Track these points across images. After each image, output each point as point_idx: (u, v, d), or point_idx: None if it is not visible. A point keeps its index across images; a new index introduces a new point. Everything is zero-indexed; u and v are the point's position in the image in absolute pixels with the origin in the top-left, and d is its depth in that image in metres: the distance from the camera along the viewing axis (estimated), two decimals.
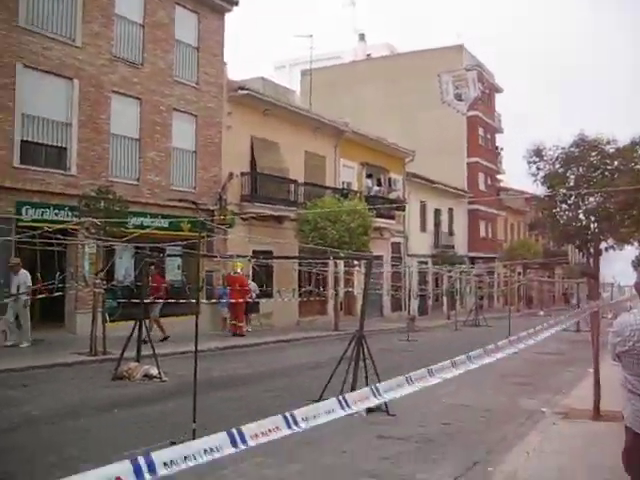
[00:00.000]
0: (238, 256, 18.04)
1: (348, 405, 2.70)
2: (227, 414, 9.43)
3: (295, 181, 26.88)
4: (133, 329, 12.33)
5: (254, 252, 22.45)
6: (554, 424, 9.01)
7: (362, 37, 56.44)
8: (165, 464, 2.26)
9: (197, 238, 18.70)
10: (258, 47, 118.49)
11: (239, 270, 21.40)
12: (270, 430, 2.38)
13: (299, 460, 6.97)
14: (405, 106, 45.10)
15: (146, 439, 7.16)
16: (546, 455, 7.29)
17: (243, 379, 13.03)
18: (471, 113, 42.50)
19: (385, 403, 9.42)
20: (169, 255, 20.14)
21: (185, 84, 22.80)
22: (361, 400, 2.77)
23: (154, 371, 12.28)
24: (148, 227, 19.04)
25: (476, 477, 6.60)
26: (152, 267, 16.29)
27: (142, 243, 14.98)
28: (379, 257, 30.99)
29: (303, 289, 25.32)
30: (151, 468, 2.19)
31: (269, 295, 23.79)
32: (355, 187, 32.23)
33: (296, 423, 2.46)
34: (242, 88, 24.57)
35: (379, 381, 9.66)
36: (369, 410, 9.47)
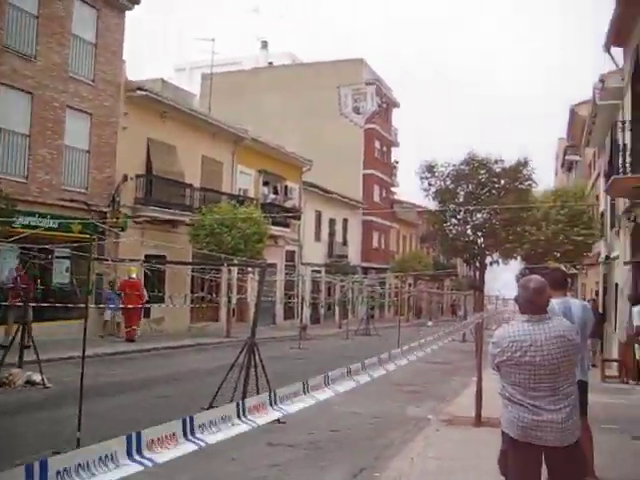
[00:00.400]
0: (131, 260, 17.63)
1: (244, 414, 2.74)
2: (115, 421, 9.22)
3: (191, 185, 26.59)
4: (16, 333, 11.87)
5: (147, 256, 22.04)
6: (438, 430, 9.33)
7: (264, 45, 56.71)
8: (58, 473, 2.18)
9: (88, 240, 18.14)
10: (159, 48, 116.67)
11: (134, 275, 20.95)
12: (167, 437, 2.36)
13: (189, 469, 6.89)
14: (305, 116, 45.53)
15: (28, 448, 6.91)
16: (429, 460, 7.55)
17: (132, 386, 12.78)
18: (368, 126, 43.33)
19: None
20: (57, 257, 19.46)
21: (81, 81, 22.10)
22: (257, 409, 2.81)
23: (37, 377, 11.84)
24: (36, 227, 18.30)
25: None
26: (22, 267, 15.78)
27: (29, 244, 14.42)
28: (273, 265, 31.09)
29: (196, 295, 25.03)
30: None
31: (160, 300, 23.37)
32: (252, 194, 32.21)
33: (193, 432, 2.47)
34: (140, 89, 24.11)
35: (270, 389, 9.78)
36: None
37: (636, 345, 14.36)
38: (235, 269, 26.71)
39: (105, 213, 22.16)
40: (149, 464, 2.18)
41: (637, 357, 14.12)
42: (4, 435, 8.23)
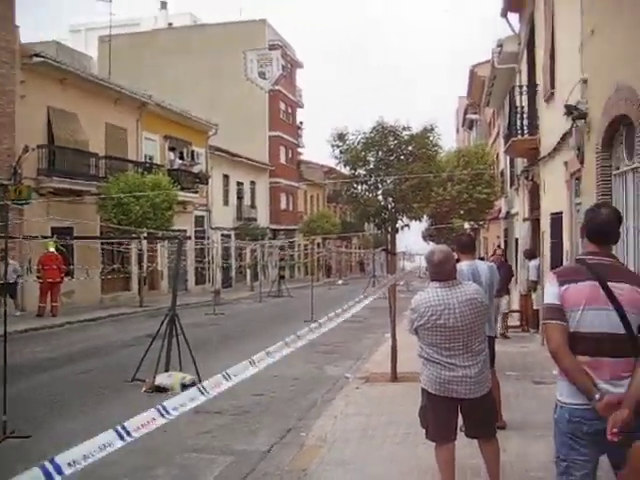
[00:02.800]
0: (43, 237, 17.20)
1: (207, 391, 2.96)
2: (41, 402, 9.24)
3: (96, 154, 25.93)
4: None
5: (53, 229, 21.53)
6: (357, 388, 9.79)
7: (164, 5, 54.99)
8: (69, 464, 2.34)
9: None
10: (51, 8, 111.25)
11: (52, 249, 20.37)
12: (148, 422, 2.56)
13: None
14: (208, 78, 44.87)
15: None
16: (351, 417, 7.98)
17: (52, 363, 12.63)
18: (274, 87, 43.21)
19: (199, 378, 9.71)
20: None
21: None
22: (216, 385, 3.04)
23: None
24: None
25: (290, 443, 7.10)
26: None
27: None
28: (183, 231, 30.86)
29: (107, 267, 24.62)
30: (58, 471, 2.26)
31: (70, 274, 22.91)
32: (158, 161, 31.71)
33: (167, 412, 2.67)
34: (37, 55, 23.13)
35: (193, 358, 9.98)
36: (183, 386, 9.72)
37: (533, 295, 15.29)
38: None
39: (6, 186, 21.38)
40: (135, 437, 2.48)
41: (535, 307, 15.02)
42: None
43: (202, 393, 2.96)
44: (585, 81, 9.65)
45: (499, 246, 20.17)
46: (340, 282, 47.41)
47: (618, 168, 8.25)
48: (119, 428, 2.44)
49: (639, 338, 3.41)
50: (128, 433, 2.45)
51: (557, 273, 3.65)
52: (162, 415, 2.66)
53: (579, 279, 3.46)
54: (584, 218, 3.76)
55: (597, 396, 3.31)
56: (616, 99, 7.60)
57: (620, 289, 3.42)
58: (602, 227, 3.58)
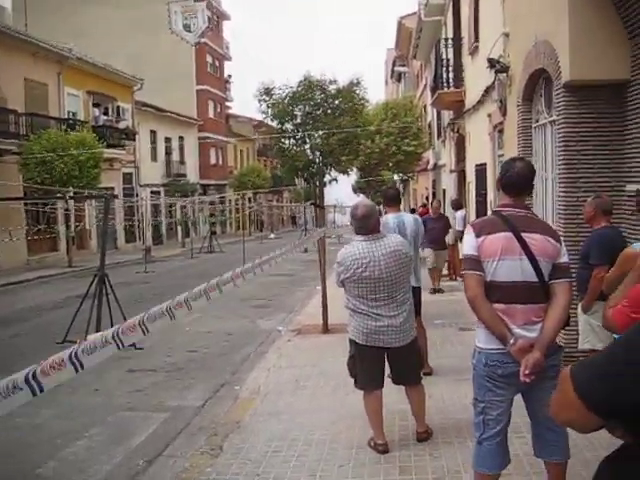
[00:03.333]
0: None
1: (118, 336, 2.95)
2: None
3: (15, 111, 24.96)
4: None
5: None
6: (289, 341, 9.96)
7: None
8: None
9: None
10: None
11: None
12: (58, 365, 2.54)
13: (52, 405, 7.01)
14: (134, 31, 43.35)
15: None
16: (284, 369, 8.14)
17: None
18: (201, 40, 42.20)
19: None
20: None
21: None
22: (130, 330, 3.04)
23: None
24: None
25: (224, 397, 7.21)
26: None
27: None
28: (110, 189, 30.26)
29: (32, 228, 23.92)
30: None
31: None
32: (82, 117, 30.79)
33: (76, 356, 2.66)
34: None
35: (124, 317, 9.92)
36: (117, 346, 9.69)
37: (460, 245, 15.70)
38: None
39: None
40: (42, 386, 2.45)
41: (461, 257, 15.44)
42: None
43: (114, 338, 2.93)
44: (507, 35, 9.86)
45: (426, 200, 20.52)
46: (272, 236, 47.48)
47: (537, 121, 8.50)
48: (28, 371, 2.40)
49: (550, 285, 3.61)
50: (35, 376, 2.41)
51: (474, 225, 3.81)
52: (71, 359, 2.63)
53: (495, 230, 3.62)
54: (500, 172, 3.92)
55: (511, 341, 3.51)
56: (535, 53, 7.79)
57: (533, 239, 3.60)
58: (516, 180, 3.73)
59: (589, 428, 1.55)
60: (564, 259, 3.70)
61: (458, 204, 15.90)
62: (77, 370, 2.66)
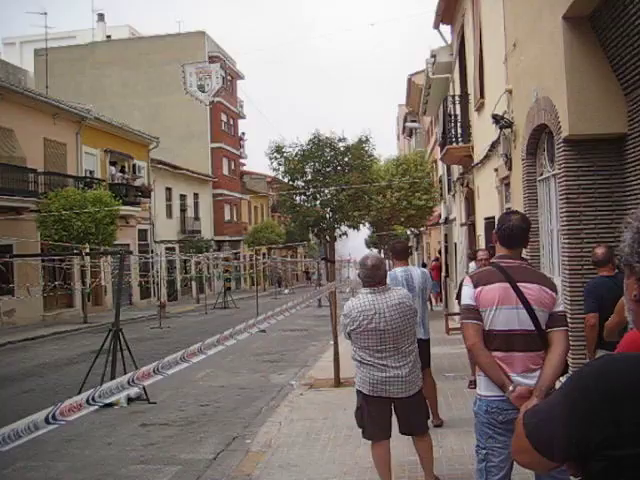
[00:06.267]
0: None
1: (133, 380, 3.11)
2: None
3: (34, 170, 25.55)
4: None
5: None
6: (301, 394, 10.01)
7: (101, 17, 54.15)
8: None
9: None
10: None
11: None
12: (76, 406, 2.70)
13: (65, 458, 7.11)
14: (148, 91, 44.59)
15: None
16: (295, 422, 8.19)
17: None
18: (214, 99, 43.23)
19: (145, 391, 9.80)
20: None
21: None
22: (144, 376, 3.19)
23: None
24: None
25: (236, 450, 7.27)
26: None
27: None
28: (126, 245, 30.65)
29: (49, 284, 24.23)
30: None
31: (10, 292, 22.54)
32: (99, 175, 31.42)
33: (94, 399, 2.81)
34: None
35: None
36: (129, 400, 9.79)
37: None
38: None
39: None
40: (62, 423, 2.63)
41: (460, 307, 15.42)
42: None
43: (129, 383, 3.10)
44: (510, 91, 10.13)
45: (439, 253, 20.55)
46: (286, 291, 47.54)
47: (542, 174, 8.69)
48: (48, 412, 2.58)
49: (547, 333, 3.74)
50: (54, 416, 2.59)
51: (472, 276, 3.96)
52: (88, 402, 2.79)
53: (492, 281, 3.76)
54: (496, 225, 4.08)
55: (510, 388, 3.61)
56: (537, 109, 8.03)
57: (529, 289, 3.73)
58: (511, 233, 3.89)
59: (546, 469, 1.64)
60: (560, 308, 3.83)
61: (474, 255, 16.02)
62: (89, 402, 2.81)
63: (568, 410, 1.49)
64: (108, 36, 52.24)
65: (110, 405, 9.51)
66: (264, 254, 51.35)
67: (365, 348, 5.05)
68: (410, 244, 48.45)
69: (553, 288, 3.85)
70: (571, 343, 6.64)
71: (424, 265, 29.73)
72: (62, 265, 24.20)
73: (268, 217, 60.20)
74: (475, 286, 3.79)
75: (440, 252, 27.21)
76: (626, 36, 5.91)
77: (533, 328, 3.70)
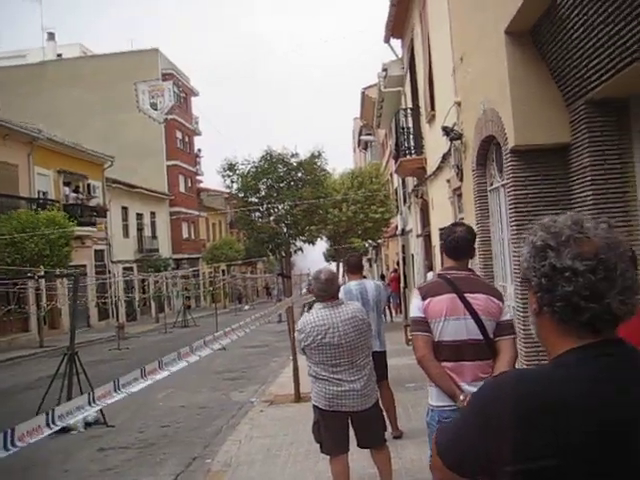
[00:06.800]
0: None
1: (94, 400, 3.09)
2: None
3: None
4: None
5: None
6: (262, 411, 9.96)
7: (51, 36, 53.35)
8: None
9: None
10: None
11: None
12: (34, 430, 2.67)
13: None
14: (104, 110, 44.10)
15: None
16: (255, 440, 8.15)
17: None
18: (168, 116, 43.00)
19: (103, 414, 9.64)
20: None
21: None
22: (104, 395, 3.18)
23: None
24: None
25: (196, 471, 7.21)
26: None
27: None
28: (82, 266, 30.24)
29: (3, 308, 23.67)
30: None
31: None
32: (52, 196, 30.95)
33: (53, 421, 2.79)
34: None
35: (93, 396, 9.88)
36: (87, 424, 9.63)
37: None
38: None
39: None
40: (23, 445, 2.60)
41: (409, 320, 15.62)
42: None
43: (89, 403, 3.08)
44: (459, 104, 10.30)
45: (397, 265, 20.72)
46: (246, 307, 47.32)
47: (492, 184, 8.84)
48: (6, 434, 2.55)
49: (495, 342, 3.80)
50: (12, 441, 2.56)
51: (420, 288, 4.02)
52: (48, 424, 2.77)
53: (439, 292, 3.82)
54: (442, 237, 4.15)
55: (461, 397, 3.66)
56: (484, 121, 8.18)
57: (476, 299, 3.80)
58: (457, 244, 3.96)
59: None
60: (507, 317, 3.91)
61: (430, 266, 16.28)
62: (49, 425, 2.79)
63: (479, 430, 1.46)
64: (59, 55, 51.57)
65: (67, 430, 9.35)
66: (223, 271, 51.04)
67: (320, 363, 5.06)
68: (369, 256, 48.72)
69: (500, 297, 3.93)
70: (524, 349, 6.79)
71: (382, 277, 29.89)
72: (15, 289, 23.71)
73: (226, 234, 59.96)
74: (423, 298, 3.85)
75: (398, 263, 27.39)
76: (565, 49, 6.07)
77: (481, 337, 3.77)
